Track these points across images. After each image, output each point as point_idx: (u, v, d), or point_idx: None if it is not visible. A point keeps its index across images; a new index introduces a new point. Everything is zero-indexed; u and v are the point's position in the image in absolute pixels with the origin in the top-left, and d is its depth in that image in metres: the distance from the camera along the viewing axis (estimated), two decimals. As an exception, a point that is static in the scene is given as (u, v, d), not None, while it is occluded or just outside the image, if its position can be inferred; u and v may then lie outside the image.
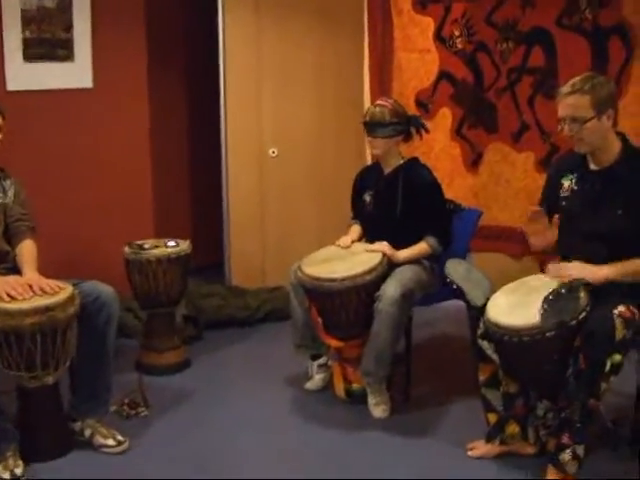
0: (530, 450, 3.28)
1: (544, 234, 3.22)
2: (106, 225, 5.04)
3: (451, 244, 3.94)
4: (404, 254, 3.83)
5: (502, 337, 2.96)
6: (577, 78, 3.05)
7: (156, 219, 5.39)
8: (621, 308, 2.87)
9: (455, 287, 3.64)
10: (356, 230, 4.15)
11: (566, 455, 2.88)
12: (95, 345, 3.39)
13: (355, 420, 3.73)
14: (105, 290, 3.43)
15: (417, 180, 3.94)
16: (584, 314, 2.88)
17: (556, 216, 3.27)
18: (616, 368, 2.82)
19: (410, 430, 3.61)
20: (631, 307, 2.91)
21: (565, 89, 3.03)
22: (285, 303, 4.48)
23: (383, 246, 3.81)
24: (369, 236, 4.06)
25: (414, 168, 4.01)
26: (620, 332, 2.82)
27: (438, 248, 3.88)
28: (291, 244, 5.43)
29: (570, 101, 3.00)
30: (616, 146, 3.09)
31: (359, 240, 4.10)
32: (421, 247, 3.87)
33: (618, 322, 2.82)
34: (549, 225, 3.21)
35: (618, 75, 4.57)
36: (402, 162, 4.01)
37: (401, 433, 3.59)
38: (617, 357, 2.81)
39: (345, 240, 4.00)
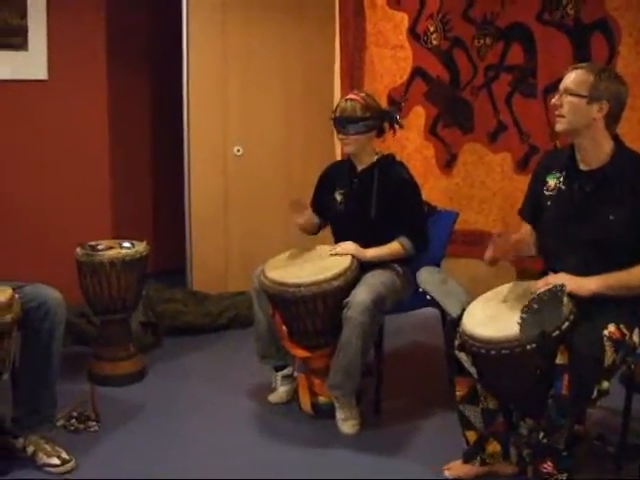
0: (511, 470, 3.06)
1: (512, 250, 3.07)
2: (59, 224, 4.84)
3: (427, 248, 3.72)
4: (372, 252, 3.62)
5: (479, 350, 2.74)
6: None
7: (114, 219, 5.23)
8: (611, 328, 2.67)
9: (429, 297, 3.42)
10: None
11: None
12: (38, 355, 3.13)
13: (322, 436, 3.51)
14: (51, 295, 3.16)
15: (393, 178, 3.71)
16: (567, 324, 2.66)
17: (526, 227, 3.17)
18: (603, 394, 2.64)
19: (381, 448, 3.39)
20: (621, 326, 2.71)
21: (578, 64, 2.95)
22: (249, 309, 4.27)
23: (349, 245, 3.60)
24: (339, 237, 3.81)
25: (390, 165, 3.78)
26: (610, 357, 2.62)
27: (411, 250, 3.65)
28: (256, 247, 5.25)
29: (574, 74, 2.89)
30: (608, 147, 2.90)
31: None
32: (393, 247, 3.64)
33: (608, 346, 2.62)
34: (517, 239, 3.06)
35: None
36: (376, 159, 3.77)
37: (371, 451, 3.36)
38: (605, 384, 2.62)
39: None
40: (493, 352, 2.67)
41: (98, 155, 5.07)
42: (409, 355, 4.65)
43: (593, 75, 2.83)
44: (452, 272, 4.75)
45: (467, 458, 3.09)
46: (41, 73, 4.76)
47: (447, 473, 3.11)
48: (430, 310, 3.77)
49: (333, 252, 3.61)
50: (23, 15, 4.61)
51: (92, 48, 4.93)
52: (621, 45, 4.36)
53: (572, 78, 2.87)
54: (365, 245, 3.62)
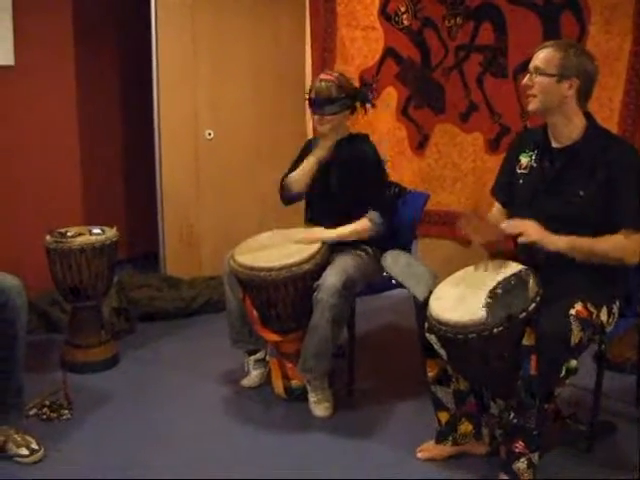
0: (483, 450, 3.09)
1: (486, 230, 3.05)
2: (30, 211, 4.79)
3: (392, 219, 3.70)
4: (337, 232, 3.60)
5: (446, 334, 2.74)
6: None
7: (86, 205, 5.18)
8: (578, 307, 2.69)
9: (394, 282, 3.43)
10: None
11: (521, 464, 2.68)
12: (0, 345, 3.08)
13: (295, 420, 3.51)
14: (9, 283, 3.09)
15: (354, 154, 3.70)
16: (534, 305, 2.67)
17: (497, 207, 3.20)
18: (572, 372, 2.66)
19: (354, 430, 3.40)
20: (588, 304, 2.74)
21: (546, 43, 2.95)
22: (222, 294, 4.21)
23: (314, 233, 3.60)
24: (310, 215, 3.84)
25: (355, 142, 3.77)
26: (576, 336, 2.64)
27: (379, 222, 3.61)
28: (229, 230, 5.17)
29: (542, 53, 2.90)
30: (580, 124, 2.92)
31: None
32: (360, 223, 3.61)
33: (574, 325, 2.64)
34: (489, 220, 3.09)
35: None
36: (346, 135, 3.77)
37: (345, 433, 3.37)
38: (573, 363, 2.65)
39: None
40: (460, 336, 2.67)
41: (68, 141, 5.01)
42: (381, 337, 4.64)
43: (561, 52, 2.84)
44: (426, 253, 4.77)
45: (439, 439, 3.11)
46: (8, 59, 4.66)
47: (420, 455, 3.13)
48: (402, 291, 3.72)
49: (304, 239, 3.58)
50: (-14, 0, 4.54)
51: (59, 33, 4.85)
52: (591, 24, 4.35)
53: (541, 57, 2.88)
54: (330, 221, 3.62)
